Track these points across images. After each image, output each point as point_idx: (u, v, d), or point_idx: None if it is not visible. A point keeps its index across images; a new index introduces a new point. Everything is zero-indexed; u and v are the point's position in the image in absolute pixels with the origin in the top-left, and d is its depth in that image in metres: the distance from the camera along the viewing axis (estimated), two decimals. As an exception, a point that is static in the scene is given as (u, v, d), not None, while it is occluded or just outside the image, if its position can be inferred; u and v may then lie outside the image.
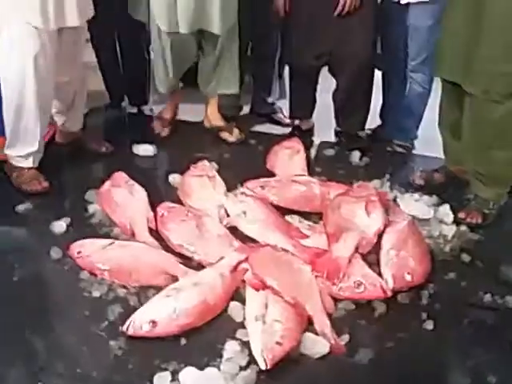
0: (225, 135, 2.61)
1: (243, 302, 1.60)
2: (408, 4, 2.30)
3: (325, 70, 2.57)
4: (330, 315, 1.57)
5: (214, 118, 2.64)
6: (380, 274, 1.70)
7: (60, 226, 1.95)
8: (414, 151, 2.57)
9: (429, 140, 2.38)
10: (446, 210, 2.02)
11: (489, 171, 2.01)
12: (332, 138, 2.67)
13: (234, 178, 2.22)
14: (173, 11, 2.24)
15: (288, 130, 2.77)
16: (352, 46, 2.36)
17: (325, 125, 2.71)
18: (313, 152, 2.52)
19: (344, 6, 2.27)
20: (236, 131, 2.61)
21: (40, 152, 2.16)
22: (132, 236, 1.89)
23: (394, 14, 2.36)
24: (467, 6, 1.88)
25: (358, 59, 2.39)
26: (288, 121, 2.82)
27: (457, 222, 1.99)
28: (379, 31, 2.43)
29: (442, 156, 2.26)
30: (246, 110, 2.92)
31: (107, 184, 2.11)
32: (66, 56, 2.13)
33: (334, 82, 2.55)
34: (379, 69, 2.55)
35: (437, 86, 2.26)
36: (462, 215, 2.01)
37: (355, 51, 2.37)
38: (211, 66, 2.48)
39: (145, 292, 1.65)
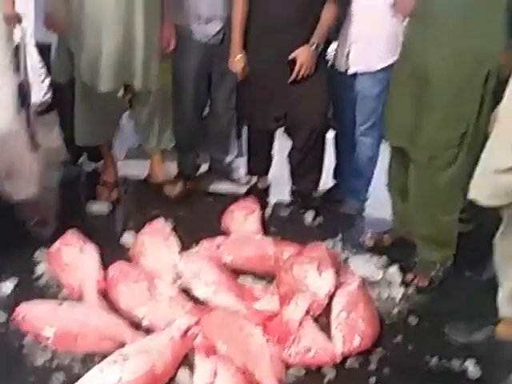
0: (167, 190, 2.64)
1: (192, 368, 1.58)
2: (355, 73, 2.41)
3: (281, 129, 2.65)
4: (280, 382, 1.56)
5: (158, 174, 2.68)
6: (330, 337, 1.72)
7: (6, 287, 1.90)
8: (365, 212, 2.64)
9: (380, 201, 2.45)
10: (394, 272, 2.08)
11: (434, 234, 2.08)
12: (287, 197, 2.73)
13: (189, 237, 2.23)
14: (96, 68, 2.27)
15: (245, 188, 2.81)
16: (306, 109, 2.45)
17: (281, 183, 2.77)
18: (268, 212, 2.56)
19: (299, 72, 2.37)
20: (179, 185, 2.64)
21: None
22: (81, 298, 1.86)
23: (342, 83, 2.45)
24: (410, 77, 1.99)
25: (313, 121, 2.48)
26: (245, 180, 2.86)
27: (405, 283, 2.05)
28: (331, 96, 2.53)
29: (392, 217, 2.33)
30: (204, 167, 2.96)
31: (58, 243, 2.08)
32: None
33: (290, 141, 2.63)
34: (334, 128, 2.65)
35: (387, 148, 2.35)
36: (409, 277, 2.06)
37: (309, 114, 2.45)
38: (144, 123, 2.54)
39: (91, 358, 1.61)
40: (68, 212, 2.42)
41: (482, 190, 1.72)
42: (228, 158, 2.89)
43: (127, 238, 2.26)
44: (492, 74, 1.83)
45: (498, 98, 1.72)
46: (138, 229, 2.26)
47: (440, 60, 1.88)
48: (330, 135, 2.66)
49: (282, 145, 2.75)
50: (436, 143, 1.96)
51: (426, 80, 1.93)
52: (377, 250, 2.24)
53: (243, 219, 2.37)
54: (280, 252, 2.13)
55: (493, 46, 1.81)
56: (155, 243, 2.15)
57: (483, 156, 1.72)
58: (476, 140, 1.89)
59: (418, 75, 1.95)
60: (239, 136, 2.96)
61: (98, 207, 2.49)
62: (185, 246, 2.16)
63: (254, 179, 2.83)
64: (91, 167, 2.86)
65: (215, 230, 2.32)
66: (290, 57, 2.35)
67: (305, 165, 2.59)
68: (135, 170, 2.85)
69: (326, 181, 2.73)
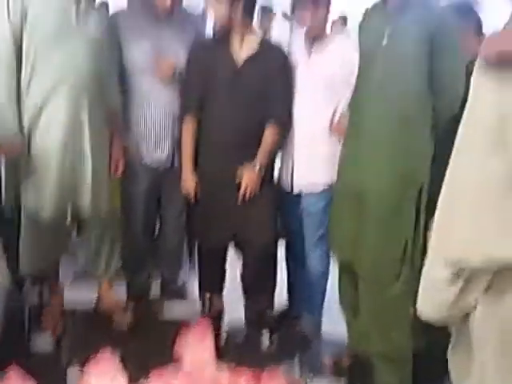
0: (116, 319, 2.56)
1: None
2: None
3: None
4: None
5: (106, 300, 2.62)
6: None
7: None
8: (322, 331, 2.57)
9: (337, 318, 2.41)
10: (354, 398, 2.01)
11: (388, 352, 2.03)
12: (242, 315, 2.65)
13: (138, 370, 2.07)
14: (41, 195, 2.25)
15: (198, 309, 2.73)
16: (255, 229, 2.45)
17: (236, 300, 2.70)
18: (222, 336, 2.48)
19: (244, 194, 2.42)
20: (128, 314, 2.57)
21: None
22: None
23: (288, 200, 2.50)
24: (348, 196, 2.05)
25: (262, 240, 2.47)
26: (198, 300, 2.79)
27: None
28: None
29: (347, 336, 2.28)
30: (155, 288, 2.87)
31: (-6, 389, 1.92)
32: None
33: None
34: (284, 236, 2.65)
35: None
36: (369, 405, 1.99)
37: (258, 233, 2.46)
38: (92, 251, 2.52)
39: None
40: (9, 347, 2.26)
41: (426, 305, 1.70)
42: (180, 280, 2.83)
43: (72, 375, 2.12)
44: (424, 188, 1.90)
45: (432, 210, 1.76)
46: (83, 362, 2.11)
47: (373, 178, 1.96)
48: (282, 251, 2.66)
49: (234, 261, 2.72)
50: (377, 259, 1.98)
51: (361, 198, 1.98)
52: (336, 372, 2.18)
53: (196, 347, 2.26)
54: (235, 382, 2.02)
55: (423, 161, 1.90)
56: (101, 381, 2.01)
57: (423, 270, 1.73)
58: (417, 253, 1.92)
59: (355, 193, 2.01)
60: (191, 254, 2.94)
61: (42, 340, 2.36)
62: (133, 379, 2.03)
63: (208, 298, 2.76)
64: (36, 299, 2.72)
65: (167, 358, 2.19)
66: (237, 180, 2.41)
67: (257, 284, 2.55)
68: (83, 294, 2.74)
69: (282, 297, 2.68)
